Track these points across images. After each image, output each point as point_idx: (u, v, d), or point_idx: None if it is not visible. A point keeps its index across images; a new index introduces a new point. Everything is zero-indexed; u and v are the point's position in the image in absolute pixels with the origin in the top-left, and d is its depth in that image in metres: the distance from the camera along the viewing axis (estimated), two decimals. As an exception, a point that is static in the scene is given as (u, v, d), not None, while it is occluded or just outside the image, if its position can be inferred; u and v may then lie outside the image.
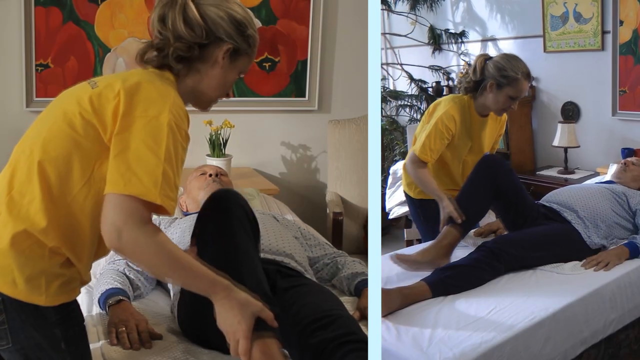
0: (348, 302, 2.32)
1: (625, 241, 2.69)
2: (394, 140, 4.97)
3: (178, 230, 2.48)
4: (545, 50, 4.55)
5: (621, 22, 4.07)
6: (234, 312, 1.62)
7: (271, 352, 1.64)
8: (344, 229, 3.53)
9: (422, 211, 3.06)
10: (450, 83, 5.18)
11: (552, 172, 4.35)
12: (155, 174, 1.52)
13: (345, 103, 4.00)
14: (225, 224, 1.87)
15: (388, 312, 2.18)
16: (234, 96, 3.79)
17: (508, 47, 4.83)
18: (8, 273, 1.59)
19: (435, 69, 5.20)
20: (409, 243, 3.90)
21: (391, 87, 5.46)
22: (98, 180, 1.61)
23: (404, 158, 4.47)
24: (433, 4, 5.06)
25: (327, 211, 3.67)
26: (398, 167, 4.08)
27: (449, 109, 2.80)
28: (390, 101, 5.20)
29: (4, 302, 1.60)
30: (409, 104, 5.09)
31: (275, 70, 3.83)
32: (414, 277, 2.41)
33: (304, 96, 3.91)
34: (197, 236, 1.90)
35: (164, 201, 1.52)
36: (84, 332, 1.81)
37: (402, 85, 5.33)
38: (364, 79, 3.80)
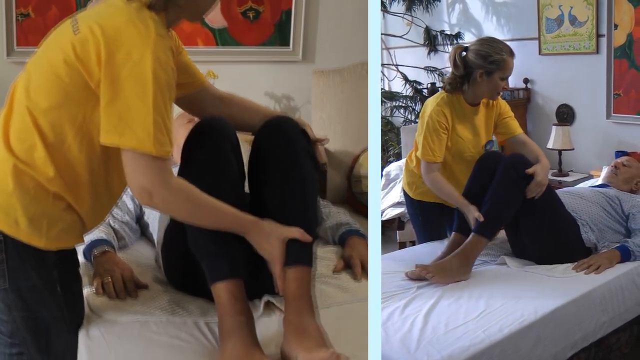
0: (332, 252, 2.40)
1: (617, 244, 2.69)
2: (388, 142, 4.96)
3: None
4: (540, 52, 4.55)
5: (616, 26, 4.07)
6: (266, 241, 1.77)
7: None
8: (327, 180, 3.54)
9: (422, 212, 3.06)
10: (445, 84, 5.17)
11: (546, 175, 4.33)
12: (147, 124, 1.55)
13: (330, 53, 3.89)
14: (212, 156, 1.86)
15: (456, 280, 2.40)
16: (217, 45, 3.74)
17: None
18: (11, 212, 1.62)
19: (430, 70, 5.19)
20: (402, 245, 3.89)
21: (386, 88, 5.45)
22: (90, 128, 1.63)
23: (398, 159, 4.49)
24: (429, 5, 5.05)
25: (311, 162, 3.66)
26: (391, 169, 4.07)
27: (435, 105, 2.78)
28: (385, 102, 5.20)
29: (5, 241, 1.64)
30: (403, 105, 5.09)
31: (259, 19, 3.73)
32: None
33: (288, 46, 3.85)
34: (182, 164, 1.90)
35: (158, 151, 1.56)
36: (79, 277, 1.89)
37: (397, 86, 5.33)
38: (349, 29, 3.72)
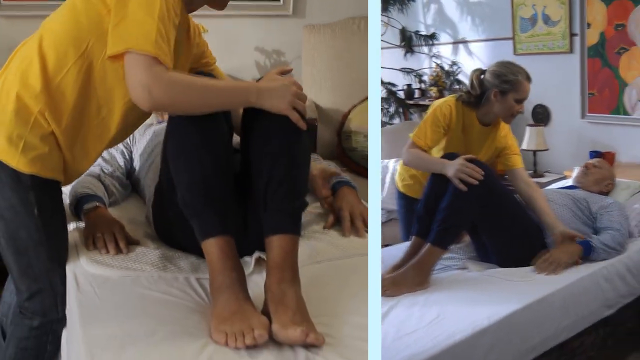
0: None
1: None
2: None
3: (155, 139, 2.50)
4: (515, 52, 4.49)
5: (588, 25, 4.03)
6: (274, 97, 1.79)
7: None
8: (317, 135, 3.51)
9: (406, 207, 3.06)
10: (423, 86, 5.13)
11: (521, 176, 4.28)
12: (149, 30, 1.66)
13: (321, 8, 3.85)
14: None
15: (411, 290, 2.32)
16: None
17: (479, 49, 4.79)
18: None
19: (407, 71, 5.14)
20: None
21: (365, 90, 5.40)
22: (91, 56, 1.80)
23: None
24: (403, 6, 4.98)
25: (301, 117, 3.63)
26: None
27: (447, 99, 2.82)
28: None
29: None
30: (378, 107, 5.03)
31: (249, -28, 3.65)
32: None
33: (279, 0, 3.76)
34: (170, 119, 1.89)
35: (157, 51, 1.65)
36: (61, 205, 1.99)
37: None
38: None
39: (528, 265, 2.55)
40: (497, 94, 2.72)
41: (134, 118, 1.99)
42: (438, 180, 2.59)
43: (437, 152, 2.83)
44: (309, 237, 2.22)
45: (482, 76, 2.79)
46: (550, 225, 2.61)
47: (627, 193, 3.04)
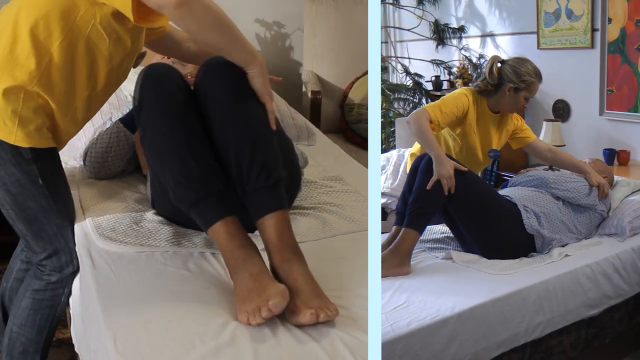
0: (333, 179, 2.53)
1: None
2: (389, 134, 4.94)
3: None
4: (538, 47, 4.45)
5: (610, 20, 3.96)
6: (267, 80, 1.95)
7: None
8: (321, 108, 3.55)
9: None
10: (451, 77, 5.12)
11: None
12: None
13: None
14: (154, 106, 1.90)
15: (390, 275, 2.36)
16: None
17: (505, 43, 4.76)
18: None
19: (436, 63, 5.15)
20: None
21: (396, 81, 5.42)
22: (80, 26, 1.84)
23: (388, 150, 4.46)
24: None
25: (304, 90, 3.60)
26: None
27: (465, 89, 2.95)
28: (389, 94, 5.16)
29: None
30: (402, 97, 5.05)
31: (249, -58, 3.61)
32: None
33: None
34: (136, 106, 1.96)
35: None
36: (61, 169, 2.08)
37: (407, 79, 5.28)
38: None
39: (513, 257, 2.56)
40: (512, 89, 2.86)
41: (115, 82, 2.09)
42: (413, 179, 2.64)
43: (453, 140, 2.95)
44: (321, 210, 2.23)
45: (499, 64, 2.90)
46: (585, 171, 2.89)
47: (626, 190, 3.00)
